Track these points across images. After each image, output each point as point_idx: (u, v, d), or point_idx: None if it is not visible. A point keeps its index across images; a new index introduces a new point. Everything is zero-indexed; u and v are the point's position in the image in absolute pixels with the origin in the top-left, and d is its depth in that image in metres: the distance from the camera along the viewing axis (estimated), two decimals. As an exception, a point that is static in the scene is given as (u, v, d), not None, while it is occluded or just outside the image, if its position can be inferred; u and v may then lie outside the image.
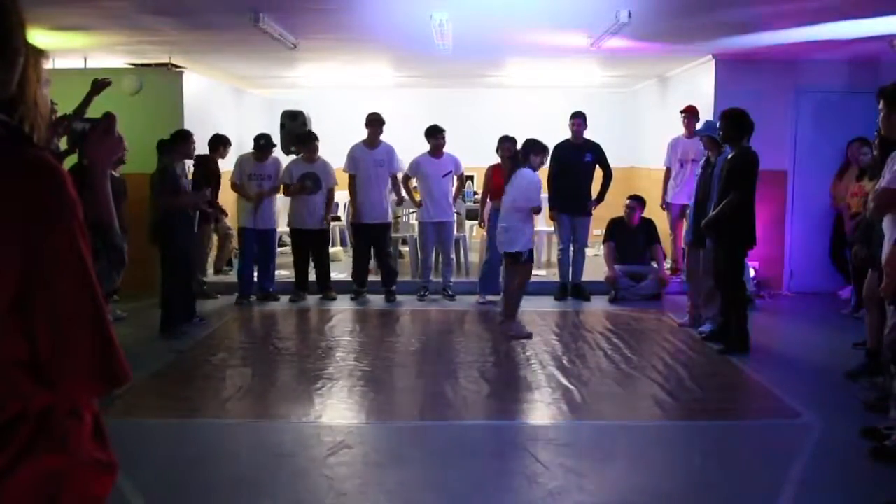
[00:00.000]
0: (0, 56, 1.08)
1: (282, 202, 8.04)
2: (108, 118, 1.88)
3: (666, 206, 8.37)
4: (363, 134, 7.90)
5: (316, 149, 7.88)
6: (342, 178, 8.11)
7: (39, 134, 1.17)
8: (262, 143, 7.65)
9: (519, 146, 7.67)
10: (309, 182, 7.69)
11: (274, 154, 7.83)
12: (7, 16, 1.09)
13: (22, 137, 1.06)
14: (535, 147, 6.28)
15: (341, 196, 9.93)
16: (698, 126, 7.93)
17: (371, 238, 7.82)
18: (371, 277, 8.03)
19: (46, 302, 1.00)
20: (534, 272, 8.78)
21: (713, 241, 5.83)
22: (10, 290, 0.97)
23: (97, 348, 1.04)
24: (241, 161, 7.73)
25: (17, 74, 1.12)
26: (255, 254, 7.72)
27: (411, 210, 8.64)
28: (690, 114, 8.03)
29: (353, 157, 7.78)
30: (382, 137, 7.83)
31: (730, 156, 5.73)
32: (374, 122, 7.77)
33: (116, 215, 1.76)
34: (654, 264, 8.12)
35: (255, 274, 7.81)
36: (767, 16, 6.00)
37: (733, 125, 5.69)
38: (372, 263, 8.09)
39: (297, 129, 9.53)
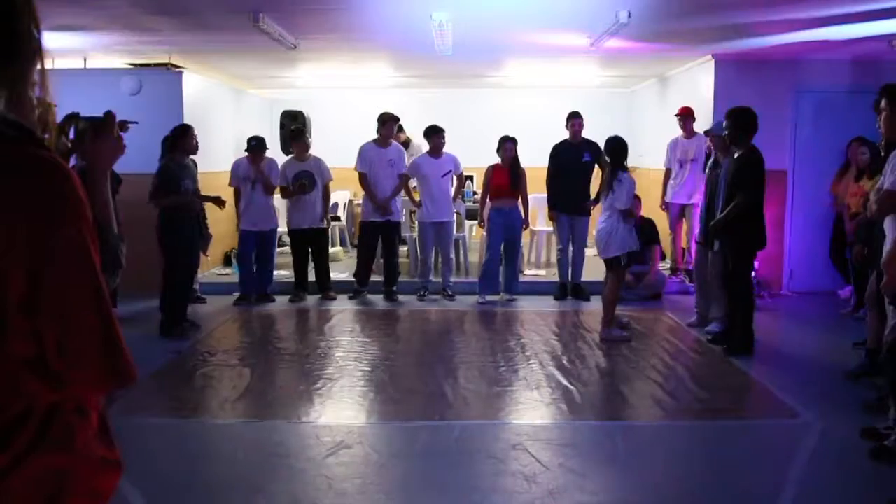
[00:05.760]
0: (15, 56, 1.08)
1: (280, 203, 8.03)
2: (108, 117, 1.86)
3: (665, 206, 8.39)
4: (363, 133, 7.88)
5: (307, 145, 7.88)
6: (342, 177, 8.09)
7: (44, 134, 1.17)
8: (254, 145, 7.59)
9: (519, 146, 7.76)
10: (305, 181, 7.69)
11: (267, 154, 7.77)
12: (25, 15, 1.09)
13: (32, 138, 1.06)
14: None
15: (340, 196, 9.95)
16: (696, 126, 7.97)
17: (381, 236, 7.83)
18: (371, 277, 8.02)
19: (53, 302, 1.00)
20: (534, 272, 8.86)
21: (721, 242, 5.82)
22: (18, 290, 0.97)
23: (104, 347, 1.04)
24: (236, 165, 7.71)
25: (33, 75, 1.12)
26: (255, 255, 7.71)
27: (411, 210, 8.65)
28: (686, 115, 8.03)
29: (366, 157, 7.77)
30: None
31: (736, 156, 5.72)
32: (390, 120, 7.80)
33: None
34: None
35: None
36: (767, 19, 6.01)
37: (739, 124, 5.62)
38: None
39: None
